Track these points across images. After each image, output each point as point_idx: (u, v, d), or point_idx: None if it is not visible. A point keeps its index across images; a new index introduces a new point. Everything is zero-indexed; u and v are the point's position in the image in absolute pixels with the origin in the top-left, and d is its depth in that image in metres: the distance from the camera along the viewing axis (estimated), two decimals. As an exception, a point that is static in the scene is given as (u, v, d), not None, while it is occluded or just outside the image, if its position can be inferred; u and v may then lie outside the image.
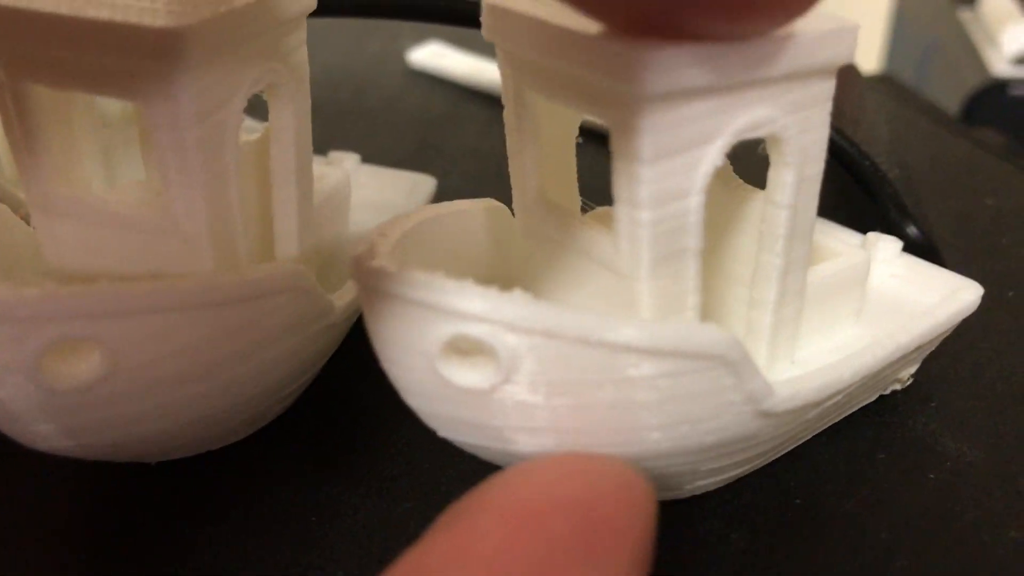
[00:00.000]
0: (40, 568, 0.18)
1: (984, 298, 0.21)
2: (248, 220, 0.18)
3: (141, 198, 0.17)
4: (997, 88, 0.58)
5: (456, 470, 0.20)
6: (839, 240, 0.22)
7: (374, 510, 0.19)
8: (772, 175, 0.17)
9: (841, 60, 0.16)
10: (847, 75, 0.31)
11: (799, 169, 0.17)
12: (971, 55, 0.62)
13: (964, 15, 0.68)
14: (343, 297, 0.19)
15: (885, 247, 0.23)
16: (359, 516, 0.19)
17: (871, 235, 0.23)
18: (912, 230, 0.23)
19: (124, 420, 0.16)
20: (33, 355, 0.14)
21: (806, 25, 0.16)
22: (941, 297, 0.21)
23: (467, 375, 0.14)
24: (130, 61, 0.15)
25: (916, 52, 0.74)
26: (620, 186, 0.15)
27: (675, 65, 0.14)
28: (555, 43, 0.15)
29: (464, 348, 0.15)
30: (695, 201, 0.16)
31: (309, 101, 0.20)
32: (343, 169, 0.23)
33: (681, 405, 0.15)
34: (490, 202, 0.19)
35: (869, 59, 0.79)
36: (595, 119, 0.15)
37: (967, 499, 0.19)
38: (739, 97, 0.15)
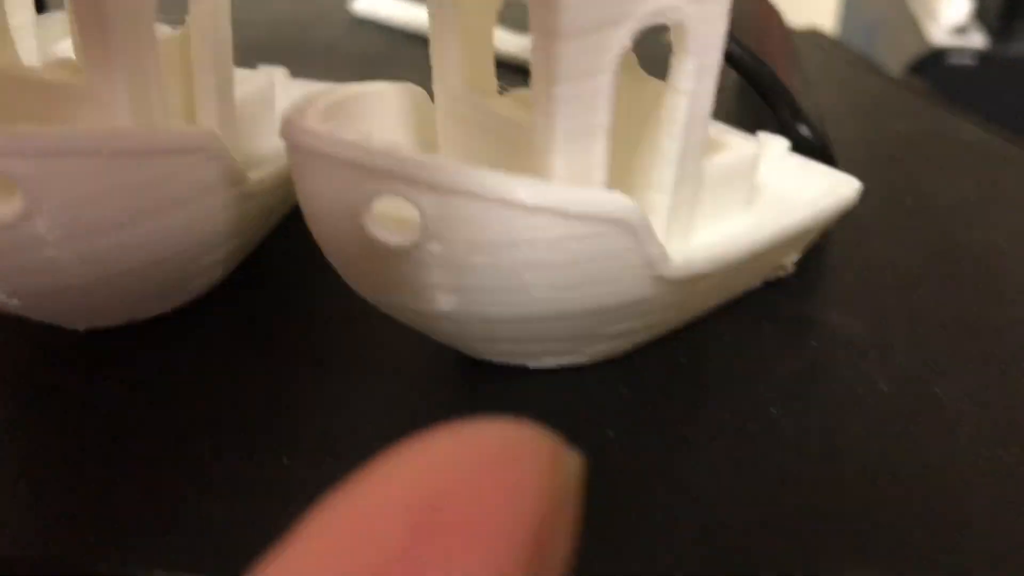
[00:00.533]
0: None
1: (882, 202, 0.23)
2: (170, 112, 0.20)
3: (64, 64, 0.19)
4: (936, 56, 0.60)
5: (375, 341, 0.21)
6: (732, 137, 0.23)
7: (271, 375, 0.20)
8: (674, 63, 0.19)
9: None
10: (769, 18, 0.33)
11: (699, 57, 0.18)
12: (912, 27, 0.64)
13: (907, -9, 0.70)
14: (257, 173, 0.21)
15: (773, 145, 0.24)
16: (257, 379, 0.20)
17: (762, 135, 0.24)
18: (804, 129, 0.25)
19: (48, 266, 0.17)
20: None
21: None
22: (822, 191, 0.23)
23: (391, 234, 0.16)
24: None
25: (863, 27, 0.76)
26: (538, 62, 0.16)
27: None
28: None
29: (387, 209, 0.16)
30: (605, 80, 0.17)
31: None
32: (267, 75, 0.24)
33: (586, 267, 0.17)
34: (410, 85, 0.20)
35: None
36: None
37: (844, 362, 0.21)
38: None
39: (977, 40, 0.61)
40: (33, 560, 0.16)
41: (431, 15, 0.19)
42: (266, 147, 0.23)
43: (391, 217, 0.16)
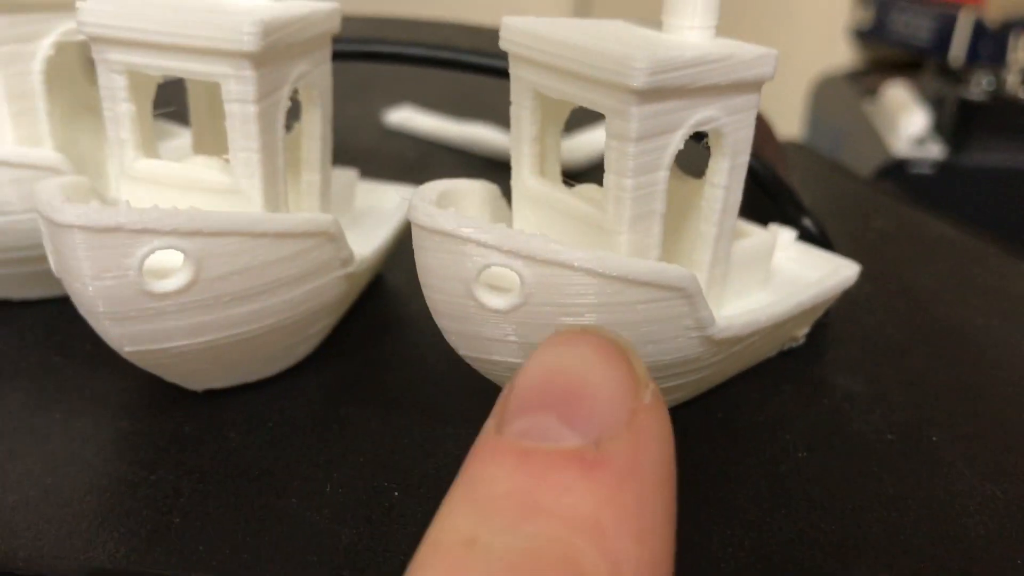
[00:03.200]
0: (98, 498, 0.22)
1: (872, 287, 0.27)
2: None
3: (207, 164, 0.22)
4: (898, 165, 0.66)
5: (444, 394, 0.24)
6: (750, 227, 0.28)
7: (381, 423, 0.23)
8: (712, 163, 0.23)
9: (765, 76, 0.22)
10: (768, 132, 0.37)
11: (732, 157, 0.23)
12: (874, 139, 0.70)
13: (867, 107, 0.76)
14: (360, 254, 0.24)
15: (784, 235, 0.28)
16: (370, 426, 0.23)
17: (772, 226, 0.28)
18: (807, 222, 0.29)
19: (198, 329, 0.21)
20: (137, 261, 0.19)
21: (742, 50, 0.21)
22: (827, 272, 0.27)
23: (495, 298, 0.19)
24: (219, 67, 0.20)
25: (828, 139, 0.82)
26: (611, 160, 0.21)
27: (661, 69, 0.19)
28: (568, 51, 0.20)
29: (489, 280, 0.20)
30: (663, 175, 0.21)
31: (331, 106, 0.25)
32: (347, 174, 0.28)
33: (649, 327, 0.20)
34: (488, 183, 0.24)
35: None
36: (595, 109, 0.20)
37: (853, 415, 0.25)
38: (698, 99, 0.21)
39: (935, 151, 0.67)
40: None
41: (514, 123, 0.23)
42: (350, 236, 0.27)
43: (492, 287, 0.20)
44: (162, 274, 0.20)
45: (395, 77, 0.51)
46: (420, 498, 0.21)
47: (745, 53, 0.21)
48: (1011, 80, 0.69)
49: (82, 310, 0.20)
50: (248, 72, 0.20)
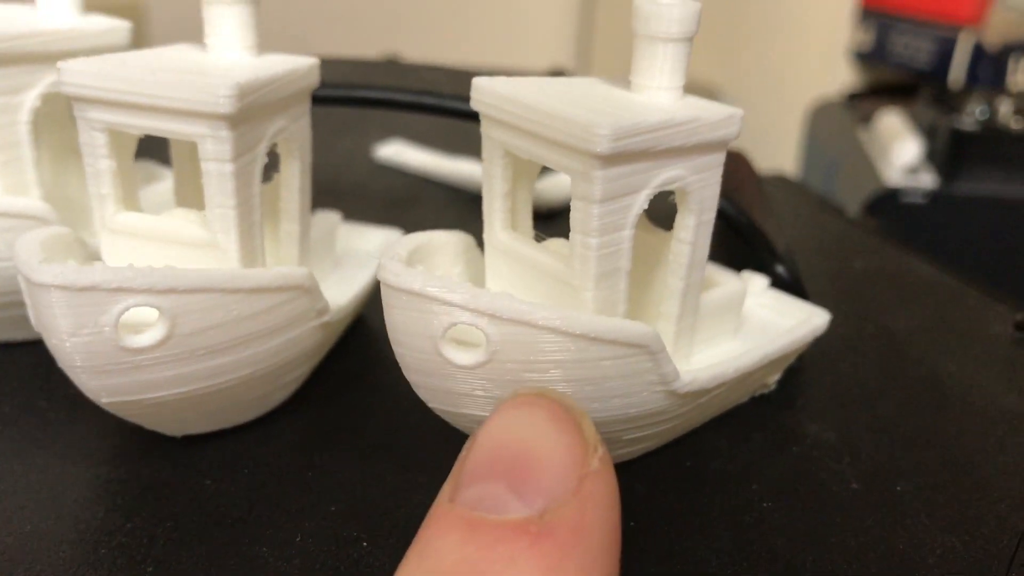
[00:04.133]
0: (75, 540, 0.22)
1: (848, 329, 0.27)
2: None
3: (186, 218, 0.23)
4: (891, 195, 0.66)
5: (419, 441, 0.25)
6: (722, 275, 0.28)
7: (354, 471, 0.24)
8: (678, 219, 0.23)
9: (730, 137, 0.22)
10: (747, 172, 0.38)
11: (698, 215, 0.23)
12: (868, 168, 0.71)
13: (862, 134, 0.77)
14: (334, 305, 0.25)
15: (756, 282, 0.29)
16: (343, 474, 0.24)
17: (744, 273, 0.29)
18: (780, 269, 0.30)
19: (173, 381, 0.21)
20: (113, 318, 0.20)
21: (707, 112, 0.22)
22: (798, 321, 0.28)
23: (462, 355, 0.20)
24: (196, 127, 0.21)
25: (823, 166, 0.83)
26: (576, 220, 0.21)
27: (623, 135, 0.20)
28: (534, 115, 0.21)
29: (457, 336, 0.20)
30: (627, 234, 0.21)
31: (310, 158, 0.26)
32: (328, 219, 0.29)
33: (613, 383, 0.21)
34: (463, 234, 0.25)
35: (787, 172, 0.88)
36: (560, 171, 0.21)
37: (821, 464, 0.25)
38: (662, 160, 0.21)
39: (927, 180, 0.67)
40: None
41: (485, 179, 0.23)
42: (329, 281, 0.27)
43: (460, 342, 0.20)
44: (138, 329, 0.20)
45: (387, 112, 0.52)
46: (388, 549, 0.21)
47: (710, 115, 0.22)
48: (1003, 110, 0.69)
49: (61, 364, 0.21)
50: (224, 132, 0.21)
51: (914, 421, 0.27)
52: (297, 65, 0.24)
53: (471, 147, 0.48)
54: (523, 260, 0.23)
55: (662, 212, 0.24)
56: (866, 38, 0.95)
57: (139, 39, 0.27)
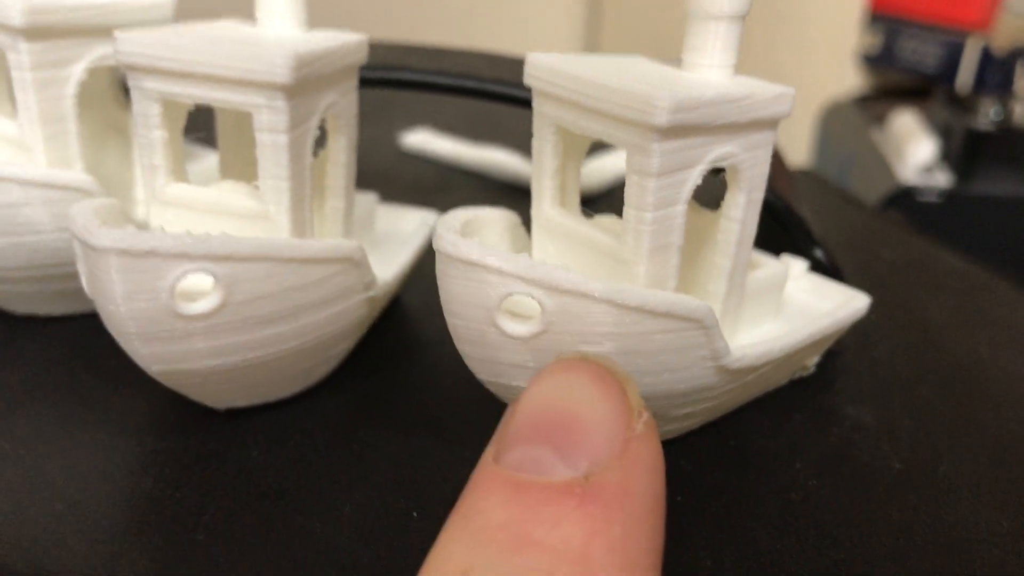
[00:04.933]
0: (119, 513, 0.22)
1: (880, 317, 0.27)
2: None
3: (236, 190, 0.23)
4: (906, 193, 0.66)
5: (460, 417, 0.25)
6: (763, 258, 0.28)
7: (398, 445, 0.24)
8: (728, 197, 0.23)
9: (782, 114, 0.23)
10: (780, 163, 0.38)
11: (748, 193, 0.23)
12: (882, 166, 0.71)
13: (875, 134, 0.77)
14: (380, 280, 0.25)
15: (795, 266, 0.29)
16: (388, 448, 0.24)
17: (784, 256, 0.29)
18: (818, 252, 0.30)
19: (224, 350, 0.21)
20: (170, 284, 0.20)
21: (760, 89, 0.22)
22: (838, 303, 0.28)
23: (516, 326, 0.20)
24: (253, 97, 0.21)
25: (836, 164, 0.83)
26: (631, 194, 0.21)
27: (683, 107, 0.20)
28: (592, 89, 0.21)
29: (511, 307, 0.20)
30: (681, 209, 0.21)
31: (357, 135, 0.26)
32: (368, 199, 0.29)
33: (665, 356, 0.21)
34: (510, 212, 0.25)
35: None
36: (616, 144, 0.21)
37: (862, 444, 0.25)
38: (716, 136, 0.21)
39: (942, 179, 0.67)
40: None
41: (535, 156, 0.23)
42: (370, 260, 0.27)
43: (514, 314, 0.20)
44: (192, 297, 0.20)
45: (412, 100, 0.52)
46: (439, 520, 0.21)
47: (763, 92, 0.22)
48: (1019, 110, 0.69)
49: (113, 331, 0.21)
50: (280, 103, 0.21)
51: (951, 406, 0.27)
52: (347, 40, 0.24)
53: (497, 136, 0.48)
54: (573, 236, 0.23)
55: (707, 194, 0.24)
56: (874, 42, 0.95)
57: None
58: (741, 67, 0.23)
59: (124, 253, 0.19)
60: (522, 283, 0.20)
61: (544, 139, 0.23)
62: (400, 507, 0.22)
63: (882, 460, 0.25)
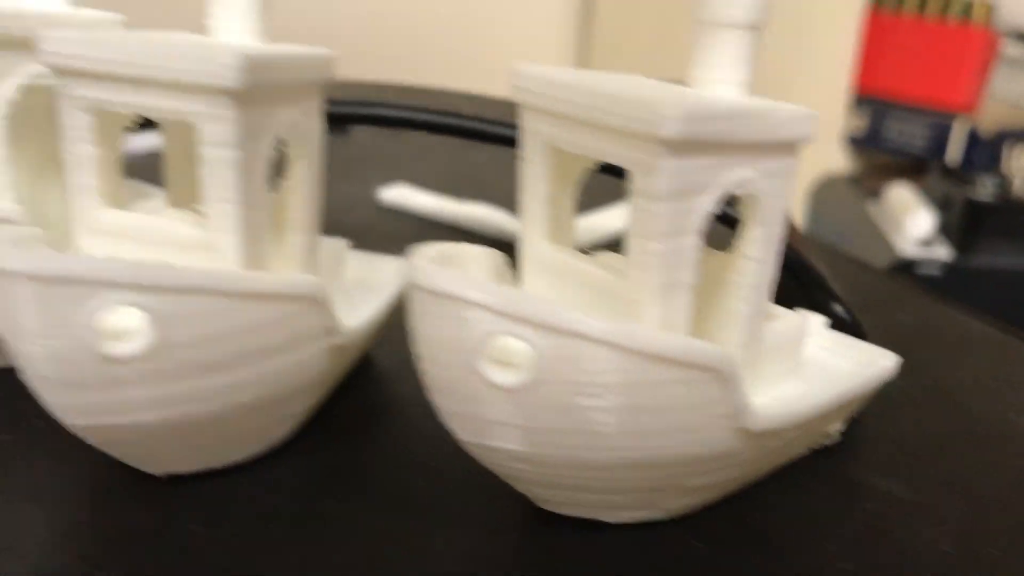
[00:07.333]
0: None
1: (902, 381, 0.24)
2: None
3: (179, 217, 0.20)
4: (905, 267, 0.64)
5: (437, 491, 0.22)
6: (775, 309, 0.25)
7: (364, 522, 0.20)
8: (746, 232, 0.20)
9: (803, 137, 0.20)
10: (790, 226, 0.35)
11: (766, 227, 0.20)
12: (879, 239, 0.69)
13: (871, 208, 0.75)
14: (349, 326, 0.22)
15: (813, 320, 0.26)
16: (352, 524, 0.20)
17: (799, 311, 0.26)
18: (838, 308, 0.27)
19: (159, 401, 0.18)
20: (92, 317, 0.16)
21: (779, 107, 0.19)
22: (863, 363, 0.25)
23: (502, 374, 0.17)
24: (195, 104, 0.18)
25: (831, 240, 0.81)
26: (636, 222, 0.18)
27: (694, 118, 0.17)
28: (589, 98, 0.18)
29: (496, 355, 0.17)
30: (692, 241, 0.18)
31: (320, 162, 0.23)
32: (336, 243, 0.26)
33: (679, 414, 0.18)
34: (493, 250, 0.22)
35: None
36: (618, 163, 0.18)
37: (898, 522, 0.22)
38: (732, 156, 0.19)
39: (942, 252, 0.65)
40: None
41: (524, 186, 0.21)
42: (338, 308, 0.24)
43: (499, 362, 0.17)
44: (123, 336, 0.17)
45: (390, 154, 0.50)
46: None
47: (782, 110, 0.19)
48: (1017, 183, 0.67)
49: (28, 374, 0.18)
50: (228, 112, 0.18)
51: (991, 479, 0.24)
52: (310, 52, 0.21)
53: (478, 191, 0.45)
54: (568, 274, 0.20)
55: (715, 237, 0.21)
56: (860, 124, 0.94)
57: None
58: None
59: (36, 278, 0.16)
60: (510, 321, 0.16)
61: (534, 162, 0.20)
62: (362, 593, 0.18)
63: (924, 540, 0.21)
